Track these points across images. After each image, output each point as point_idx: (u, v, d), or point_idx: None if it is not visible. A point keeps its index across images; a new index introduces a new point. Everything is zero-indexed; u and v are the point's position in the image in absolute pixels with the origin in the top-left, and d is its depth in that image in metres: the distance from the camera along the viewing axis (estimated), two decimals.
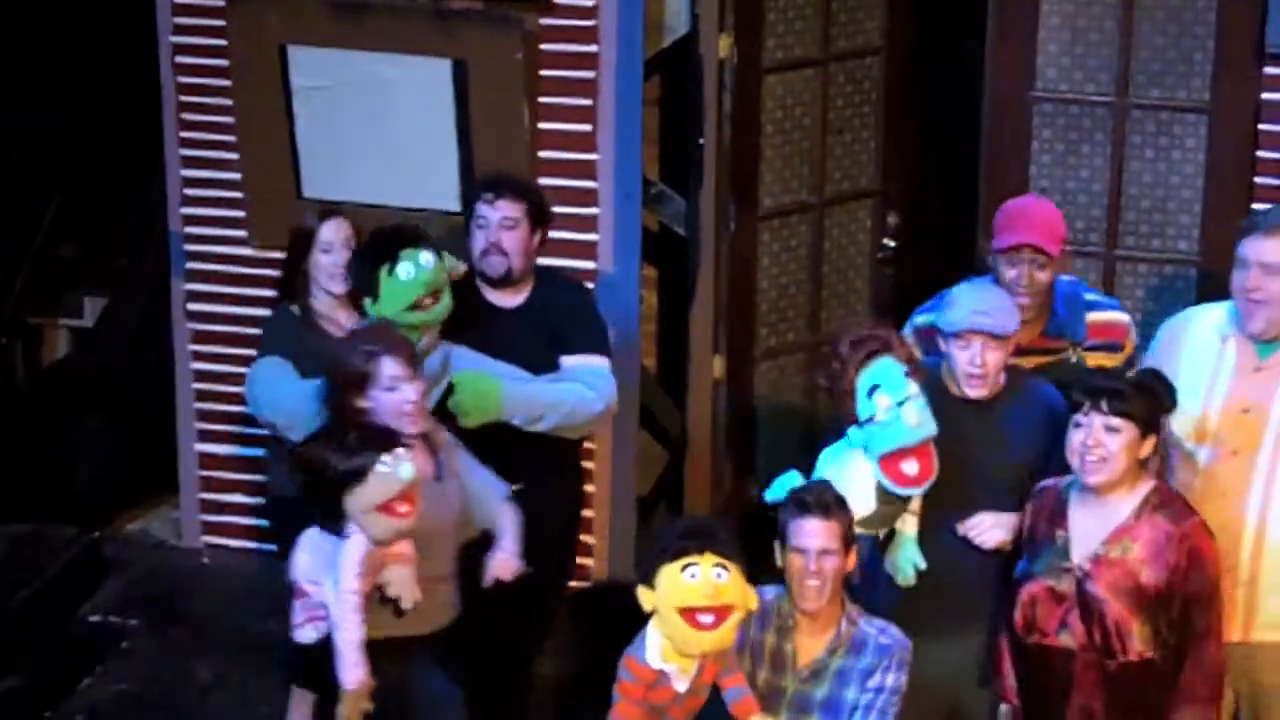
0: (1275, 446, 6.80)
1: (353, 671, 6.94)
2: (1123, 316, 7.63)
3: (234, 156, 9.77)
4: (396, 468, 6.87)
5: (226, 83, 9.68)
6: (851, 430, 6.96)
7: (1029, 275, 7.40)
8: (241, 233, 9.87)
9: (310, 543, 7.08)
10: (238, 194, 9.83)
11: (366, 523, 6.88)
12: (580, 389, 7.82)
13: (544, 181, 9.27)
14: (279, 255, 9.54)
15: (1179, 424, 6.95)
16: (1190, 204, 9.16)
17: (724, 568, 6.42)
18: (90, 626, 9.63)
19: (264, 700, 8.88)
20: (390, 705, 7.05)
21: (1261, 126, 8.81)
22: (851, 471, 6.92)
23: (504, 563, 7.37)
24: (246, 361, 9.70)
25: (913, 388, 6.87)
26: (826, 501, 6.75)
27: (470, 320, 7.87)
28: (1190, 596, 6.56)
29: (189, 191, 9.89)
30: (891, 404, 6.83)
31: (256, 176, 9.75)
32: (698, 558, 6.40)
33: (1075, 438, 6.57)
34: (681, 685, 6.57)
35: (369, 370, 7.10)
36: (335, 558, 6.94)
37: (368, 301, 7.54)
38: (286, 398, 7.66)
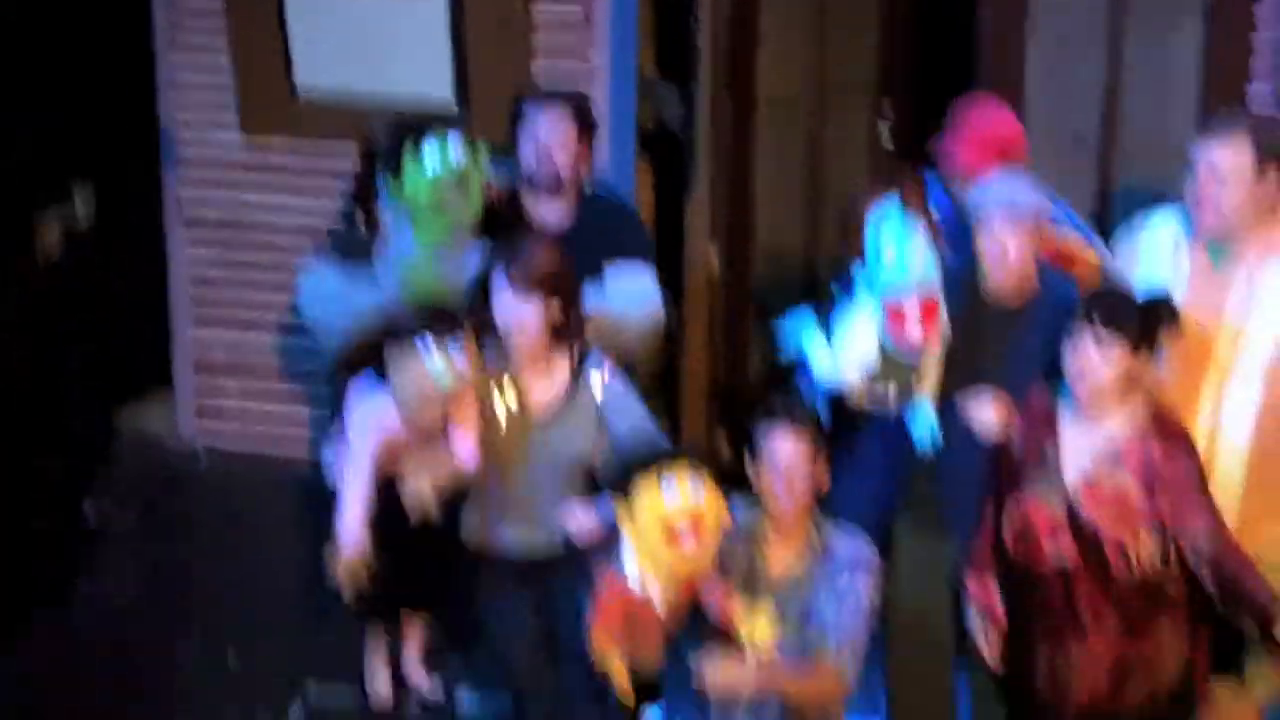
0: (1226, 354, 6.78)
1: (347, 529, 6.89)
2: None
3: (225, 48, 9.65)
4: (430, 357, 6.82)
5: None
6: (857, 273, 6.92)
7: None
8: (233, 126, 9.77)
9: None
10: (229, 83, 9.71)
11: (408, 409, 6.86)
12: (643, 284, 7.73)
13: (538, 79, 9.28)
14: (270, 146, 9.62)
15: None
16: (1187, 96, 9.13)
17: (699, 478, 6.49)
18: (86, 523, 9.63)
19: (260, 596, 9.02)
20: (469, 617, 7.10)
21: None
22: (857, 325, 6.88)
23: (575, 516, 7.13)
24: (243, 256, 9.81)
25: (920, 237, 6.85)
26: (797, 412, 6.75)
27: (513, 239, 7.62)
28: (1187, 520, 6.51)
29: (179, 80, 9.81)
30: (897, 249, 6.80)
31: (247, 67, 9.66)
32: (674, 467, 6.51)
33: (1071, 356, 6.51)
34: (662, 601, 6.58)
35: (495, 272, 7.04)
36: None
37: (391, 183, 7.42)
38: (326, 304, 7.59)
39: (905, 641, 7.29)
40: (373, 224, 7.71)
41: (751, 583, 6.79)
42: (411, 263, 7.53)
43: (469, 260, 7.46)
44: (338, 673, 8.40)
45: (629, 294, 7.66)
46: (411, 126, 7.50)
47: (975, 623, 6.96)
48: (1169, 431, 6.57)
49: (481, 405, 7.08)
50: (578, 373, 7.10)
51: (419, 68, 9.31)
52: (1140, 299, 6.57)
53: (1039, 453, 6.67)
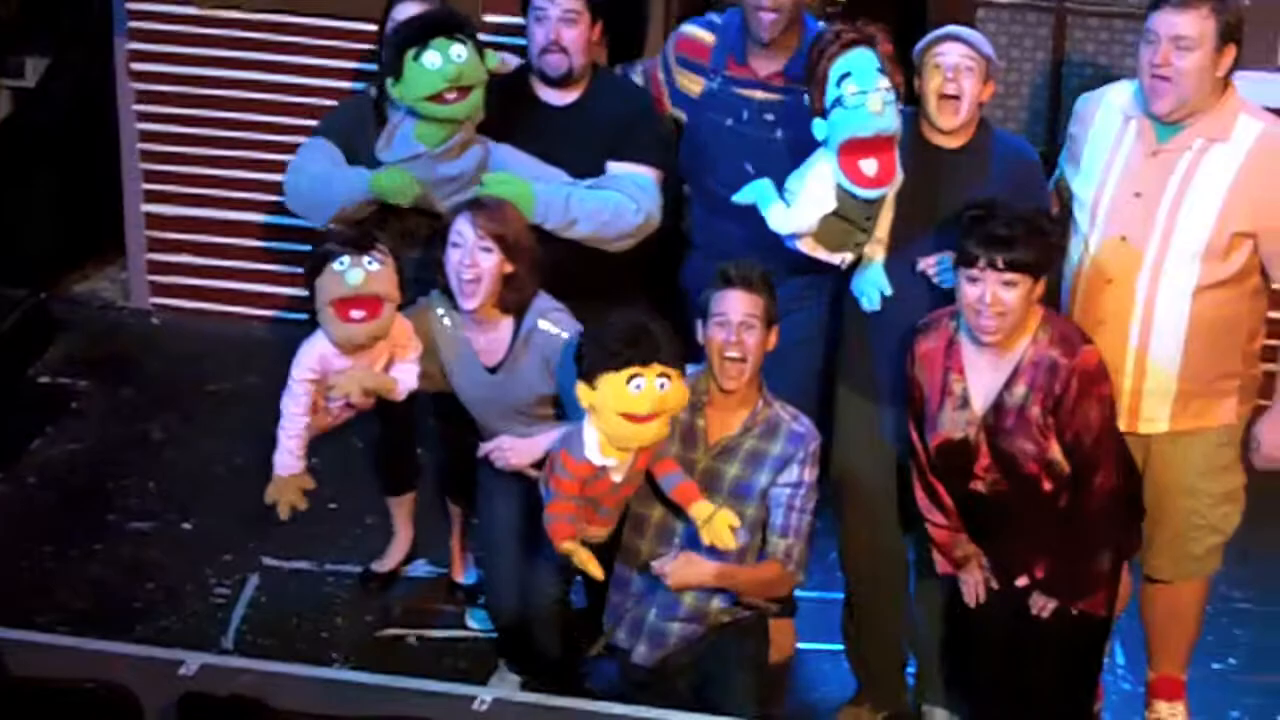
0: (1163, 234, 6.66)
1: (283, 459, 7.04)
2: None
3: None
4: (346, 270, 6.81)
5: None
6: (816, 122, 6.82)
7: None
8: None
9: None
10: None
11: (323, 320, 6.87)
12: (620, 198, 7.35)
13: None
14: (224, 14, 9.54)
15: (1079, 210, 6.87)
16: None
17: (667, 377, 6.37)
18: (40, 387, 9.61)
19: (217, 459, 8.99)
20: None
21: None
22: (813, 172, 6.79)
23: (502, 449, 7.05)
24: (191, 121, 9.78)
25: (883, 81, 6.69)
26: (750, 275, 6.67)
27: (517, 117, 7.52)
28: (1081, 432, 6.47)
29: None
30: (859, 90, 6.67)
31: None
32: (643, 369, 6.33)
33: (971, 293, 6.37)
34: (618, 476, 6.55)
35: (448, 222, 6.96)
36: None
37: (389, 82, 7.35)
38: (311, 179, 7.53)
39: (855, 508, 7.30)
40: (381, 119, 7.64)
41: (689, 441, 6.77)
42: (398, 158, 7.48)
43: (466, 161, 7.39)
44: (295, 543, 8.35)
45: (626, 187, 7.54)
46: (415, 28, 7.40)
47: (926, 527, 6.96)
48: (1068, 342, 6.51)
49: (432, 344, 7.10)
50: (520, 324, 7.03)
51: None
52: (1032, 223, 6.43)
53: (944, 388, 6.63)
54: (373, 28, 7.90)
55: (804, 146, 6.92)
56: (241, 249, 9.95)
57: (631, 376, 6.33)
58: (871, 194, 6.71)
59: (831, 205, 6.73)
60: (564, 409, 6.91)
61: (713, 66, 7.48)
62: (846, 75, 6.67)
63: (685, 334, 6.77)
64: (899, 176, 6.73)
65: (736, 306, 6.64)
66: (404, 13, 7.64)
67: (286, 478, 7.04)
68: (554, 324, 6.95)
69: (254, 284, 9.91)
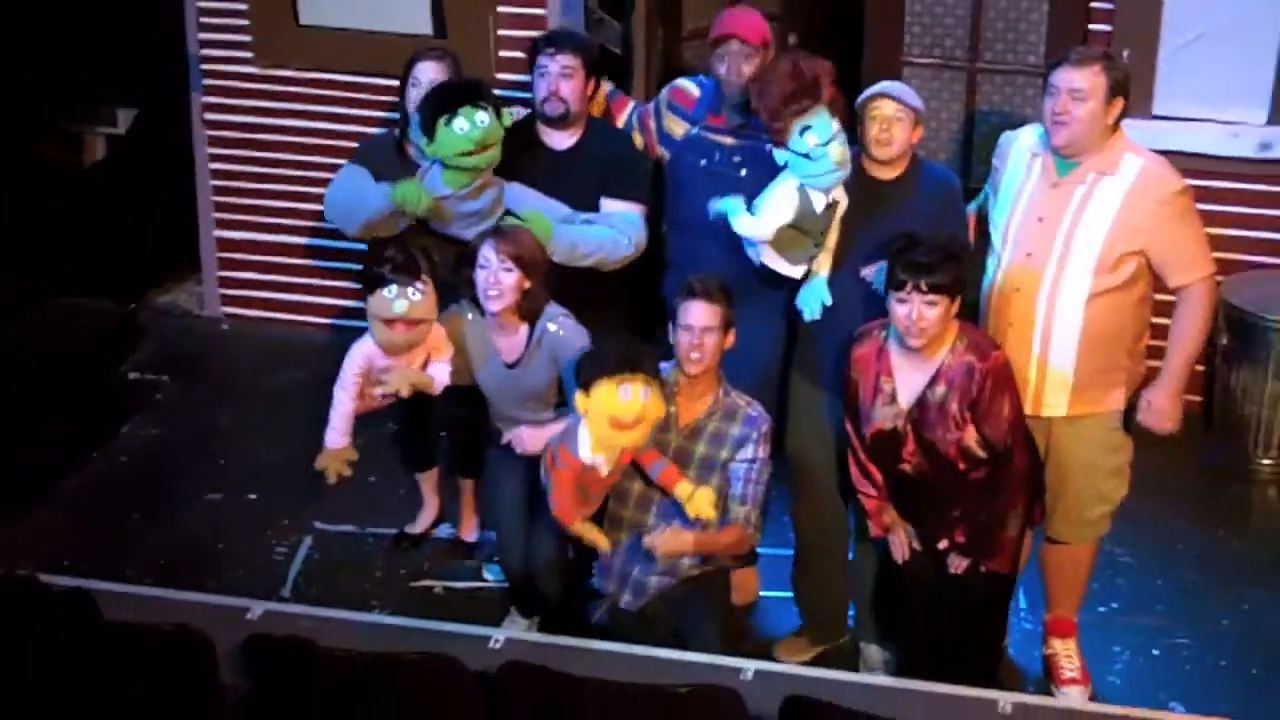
0: (1062, 251, 6.68)
1: (332, 435, 7.06)
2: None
3: None
4: (394, 299, 6.83)
5: None
6: (777, 151, 6.82)
7: (737, 66, 7.32)
8: (247, 54, 9.69)
9: None
10: (245, 21, 9.64)
11: (372, 326, 6.89)
12: (614, 234, 7.43)
13: (502, 10, 9.18)
14: (279, 71, 9.54)
15: (994, 230, 6.89)
16: (1037, 25, 9.07)
17: (650, 387, 6.41)
18: (129, 382, 9.57)
19: (279, 442, 8.91)
20: None
21: None
22: (778, 189, 6.80)
23: (520, 438, 7.06)
24: (253, 161, 9.79)
25: (838, 128, 6.75)
26: (711, 288, 6.70)
27: (526, 159, 7.53)
28: (993, 425, 6.48)
29: (204, 20, 9.72)
30: (819, 143, 6.72)
31: (259, 7, 9.55)
32: (630, 378, 6.38)
33: (899, 312, 6.39)
34: (606, 470, 6.57)
35: (476, 246, 6.97)
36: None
37: (424, 141, 7.35)
38: (344, 194, 7.53)
39: (805, 481, 7.29)
40: (403, 155, 7.64)
41: (664, 425, 6.72)
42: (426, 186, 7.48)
43: (484, 200, 7.38)
44: (341, 510, 8.35)
45: (618, 222, 7.56)
46: (447, 95, 7.38)
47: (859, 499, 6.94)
48: (980, 348, 6.50)
49: (462, 344, 7.10)
50: (534, 328, 7.04)
51: (403, 6, 9.20)
52: (948, 250, 6.44)
53: (876, 387, 6.64)
54: (395, 82, 7.85)
55: (763, 183, 6.96)
56: (296, 266, 9.96)
57: (621, 383, 6.35)
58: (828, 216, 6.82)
59: (790, 217, 6.75)
60: (566, 397, 6.90)
61: (695, 115, 7.50)
62: (808, 129, 6.72)
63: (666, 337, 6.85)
64: (846, 173, 6.81)
65: (699, 315, 6.67)
66: (423, 72, 7.64)
67: (334, 450, 7.06)
68: (560, 327, 6.98)
69: (307, 296, 9.91)
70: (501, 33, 9.21)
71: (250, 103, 9.76)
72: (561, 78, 7.48)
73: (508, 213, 7.37)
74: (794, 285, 7.08)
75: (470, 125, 7.20)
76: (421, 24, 9.08)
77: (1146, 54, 8.49)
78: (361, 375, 7.02)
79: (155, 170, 10.33)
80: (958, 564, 6.68)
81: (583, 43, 7.66)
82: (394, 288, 6.85)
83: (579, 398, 6.44)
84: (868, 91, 6.98)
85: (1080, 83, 6.63)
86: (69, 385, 9.32)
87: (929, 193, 6.99)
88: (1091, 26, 8.72)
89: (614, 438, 6.45)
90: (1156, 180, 6.72)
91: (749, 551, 7.17)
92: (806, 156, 6.75)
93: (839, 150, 6.75)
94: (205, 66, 9.76)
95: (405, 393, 6.97)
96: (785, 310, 7.23)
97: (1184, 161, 8.25)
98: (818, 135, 6.72)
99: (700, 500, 6.54)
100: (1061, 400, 6.81)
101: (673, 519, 6.68)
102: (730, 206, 6.91)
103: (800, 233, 6.84)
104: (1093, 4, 8.73)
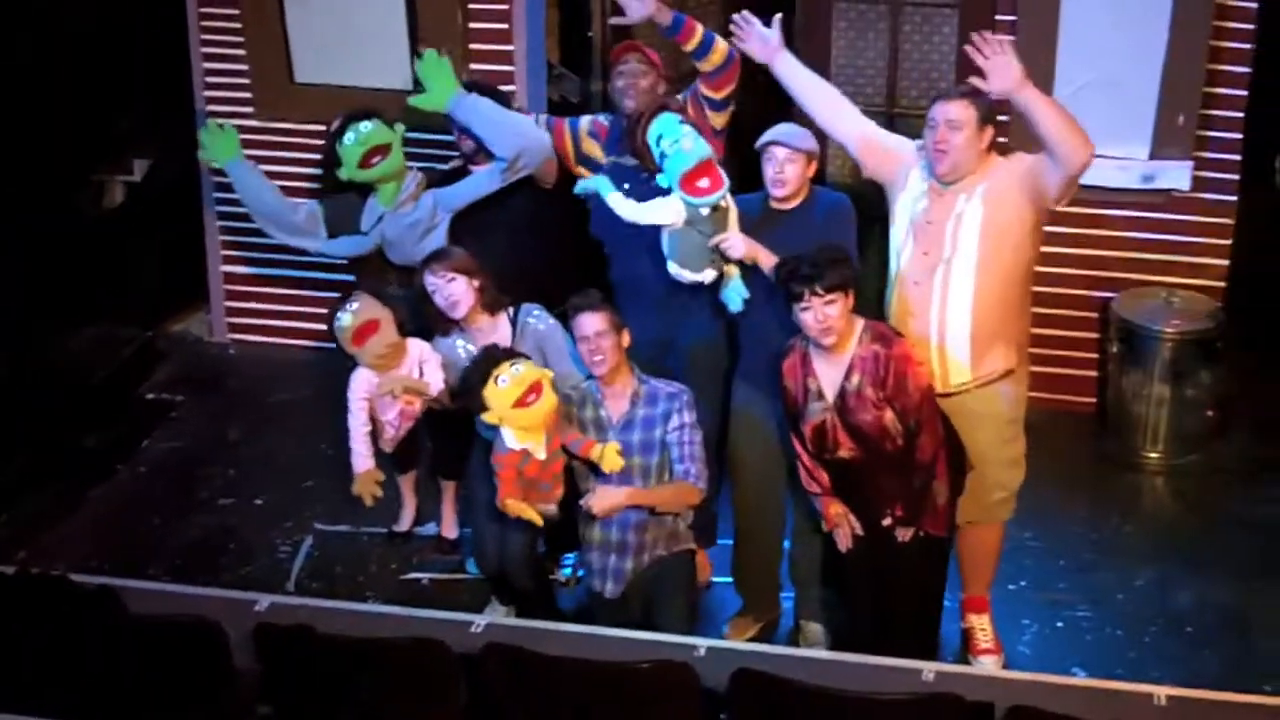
0: (951, 248, 6.70)
1: (356, 460, 7.23)
2: None
3: (242, 52, 9.58)
4: (340, 320, 7.08)
5: None
6: (659, 177, 6.91)
7: (635, 81, 7.45)
8: (249, 108, 9.69)
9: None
10: (246, 79, 9.65)
11: (355, 357, 6.97)
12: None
13: (473, 67, 9.18)
14: (277, 124, 9.52)
15: (894, 235, 6.90)
16: (946, 74, 9.10)
17: (515, 363, 6.53)
18: (148, 402, 9.54)
19: (281, 452, 8.96)
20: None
21: (997, 17, 8.71)
22: (666, 203, 6.88)
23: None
24: None
25: (686, 128, 6.87)
26: (593, 299, 6.78)
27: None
28: (904, 402, 6.53)
29: (209, 79, 9.73)
30: (673, 141, 6.79)
31: (259, 67, 9.57)
32: (495, 370, 6.51)
33: (807, 318, 6.47)
34: (541, 454, 6.60)
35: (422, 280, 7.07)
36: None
37: (339, 172, 7.40)
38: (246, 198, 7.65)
39: (744, 476, 7.30)
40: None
41: (600, 427, 6.80)
42: (370, 224, 7.51)
43: (421, 209, 7.40)
44: (340, 515, 8.34)
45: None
46: (332, 129, 7.49)
47: (811, 496, 6.95)
48: (885, 338, 6.57)
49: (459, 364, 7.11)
50: (515, 322, 7.06)
51: (386, 63, 9.21)
52: (832, 256, 6.53)
53: (805, 388, 6.66)
54: None
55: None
56: (295, 296, 9.92)
57: (494, 379, 6.51)
58: (713, 198, 6.82)
59: (669, 219, 6.82)
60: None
61: (608, 146, 7.51)
62: (660, 136, 6.82)
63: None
64: (726, 183, 6.87)
65: (589, 324, 6.74)
66: None
67: (362, 474, 7.19)
68: (540, 320, 7.09)
69: (305, 322, 9.85)
70: None
71: (251, 152, 9.60)
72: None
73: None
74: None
75: (355, 134, 7.35)
76: (402, 81, 9.07)
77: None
78: (365, 399, 7.08)
79: (168, 213, 10.29)
80: (903, 534, 6.71)
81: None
82: (338, 314, 7.08)
83: (485, 419, 6.58)
84: (763, 138, 7.04)
85: (955, 114, 6.66)
86: (95, 405, 9.27)
87: (823, 218, 7.04)
88: None
89: (526, 416, 6.54)
90: (995, 168, 6.76)
91: (710, 533, 7.14)
92: (664, 156, 6.80)
93: (689, 140, 6.82)
94: (211, 120, 9.71)
95: (399, 394, 7.01)
96: (719, 311, 7.28)
97: (1078, 193, 8.29)
98: (668, 136, 6.83)
99: (608, 454, 6.66)
100: (964, 368, 6.81)
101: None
102: (600, 184, 6.95)
103: (697, 233, 6.85)
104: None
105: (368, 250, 7.64)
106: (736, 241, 6.91)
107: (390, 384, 7.02)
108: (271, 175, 9.57)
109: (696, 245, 6.90)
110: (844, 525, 6.81)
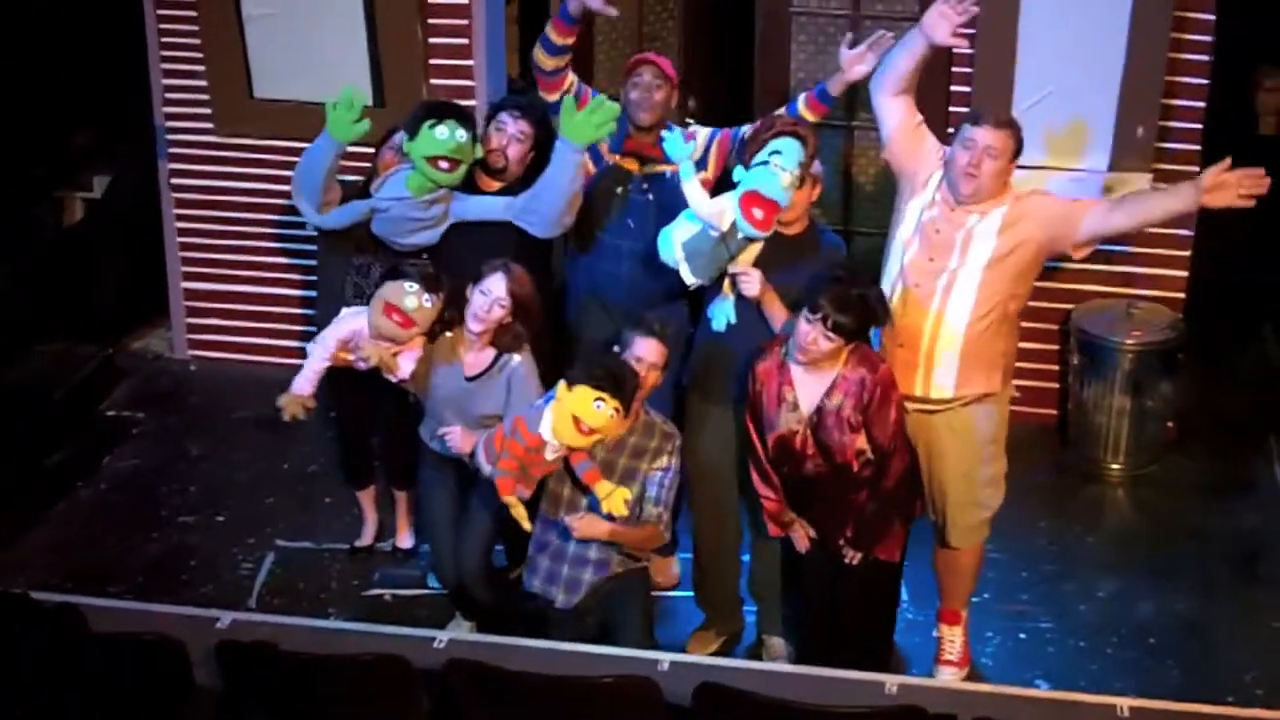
0: (958, 260, 6.71)
1: (299, 383, 7.06)
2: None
3: (202, 68, 9.55)
4: (409, 293, 6.87)
5: (194, 13, 9.45)
6: (737, 169, 6.75)
7: (649, 92, 7.39)
8: (208, 124, 9.67)
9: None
10: (205, 95, 9.62)
11: (373, 307, 6.88)
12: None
13: (434, 82, 9.18)
14: (237, 139, 9.50)
15: (900, 231, 6.88)
16: None
17: (619, 411, 6.41)
18: (109, 419, 9.51)
19: (243, 469, 8.93)
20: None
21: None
22: (722, 200, 6.74)
23: (453, 434, 6.96)
24: (217, 220, 9.78)
25: (798, 169, 6.70)
26: (665, 332, 6.75)
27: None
28: (881, 427, 6.54)
29: (169, 95, 9.68)
30: (782, 167, 6.65)
31: (218, 82, 9.53)
32: (608, 399, 6.38)
33: (802, 328, 6.46)
34: (551, 455, 6.54)
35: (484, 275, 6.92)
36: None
37: (405, 140, 7.28)
38: (302, 162, 7.46)
39: (703, 489, 7.31)
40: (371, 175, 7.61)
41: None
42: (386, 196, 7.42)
43: (434, 210, 7.32)
44: (301, 531, 8.35)
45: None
46: (437, 108, 7.34)
47: (761, 502, 6.94)
48: (870, 362, 6.57)
49: (430, 349, 7.06)
50: (499, 358, 7.02)
51: (346, 78, 9.14)
52: (866, 299, 6.50)
53: (779, 397, 6.66)
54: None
55: (667, 206, 7.04)
56: (255, 312, 9.91)
57: (599, 396, 6.36)
58: (751, 230, 6.68)
59: (724, 224, 6.69)
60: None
61: (614, 143, 7.49)
62: (778, 152, 6.67)
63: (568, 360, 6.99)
64: (769, 234, 6.74)
65: (650, 350, 6.71)
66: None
67: (299, 395, 7.02)
68: (523, 363, 6.96)
69: (266, 339, 9.86)
70: None
71: (211, 168, 9.71)
72: (515, 140, 7.50)
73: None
74: (692, 302, 7.17)
75: (450, 134, 7.17)
76: (363, 96, 9.05)
77: (1002, 110, 8.55)
78: (341, 342, 7.00)
79: (128, 229, 10.27)
80: (853, 555, 6.72)
81: (538, 114, 7.62)
82: (415, 285, 6.88)
83: (561, 387, 6.43)
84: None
85: (995, 142, 6.66)
86: (56, 422, 9.23)
87: (825, 252, 7.06)
88: (953, 88, 8.78)
89: (570, 434, 6.43)
90: (1017, 198, 6.79)
91: (663, 544, 7.16)
92: (765, 164, 6.69)
93: (789, 177, 6.68)
94: (170, 136, 9.71)
95: (373, 362, 6.94)
96: (684, 323, 7.31)
97: None
98: (783, 160, 6.68)
99: (616, 499, 6.54)
100: (949, 384, 6.83)
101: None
102: (684, 167, 6.80)
103: (721, 245, 6.81)
104: (954, 68, 8.79)
105: (361, 217, 7.49)
106: (754, 282, 6.84)
107: (370, 351, 6.96)
108: (231, 190, 9.68)
109: (713, 256, 6.82)
110: (797, 529, 6.82)
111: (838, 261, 7.01)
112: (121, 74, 10.20)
